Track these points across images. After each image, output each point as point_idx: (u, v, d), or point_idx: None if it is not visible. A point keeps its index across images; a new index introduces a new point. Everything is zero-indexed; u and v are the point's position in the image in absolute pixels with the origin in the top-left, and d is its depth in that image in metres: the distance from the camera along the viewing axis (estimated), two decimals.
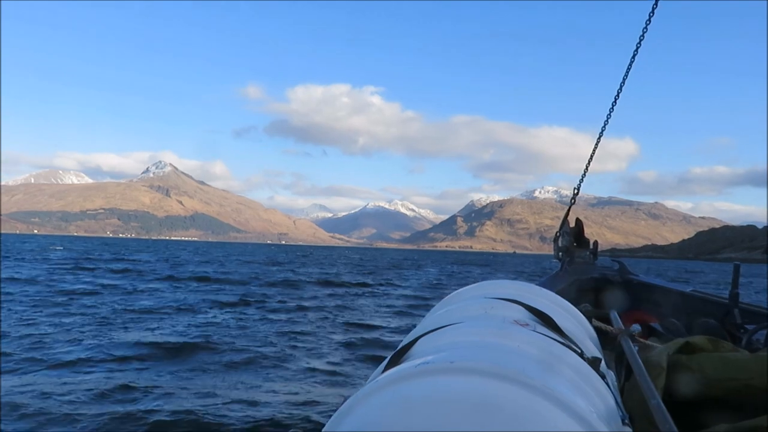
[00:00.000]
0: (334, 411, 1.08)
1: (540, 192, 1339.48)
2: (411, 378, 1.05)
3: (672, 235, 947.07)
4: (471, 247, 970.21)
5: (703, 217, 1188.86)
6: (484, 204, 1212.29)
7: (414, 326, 1.79)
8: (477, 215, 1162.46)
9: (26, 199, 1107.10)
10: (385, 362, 1.31)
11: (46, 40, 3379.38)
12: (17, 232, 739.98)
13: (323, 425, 1.08)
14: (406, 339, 1.48)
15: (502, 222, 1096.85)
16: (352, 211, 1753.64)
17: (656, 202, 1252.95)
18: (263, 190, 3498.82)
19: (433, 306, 2.06)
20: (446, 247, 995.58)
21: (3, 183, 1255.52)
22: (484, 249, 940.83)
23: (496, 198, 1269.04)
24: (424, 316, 1.93)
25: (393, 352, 1.34)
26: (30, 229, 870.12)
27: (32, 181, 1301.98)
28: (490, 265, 70.67)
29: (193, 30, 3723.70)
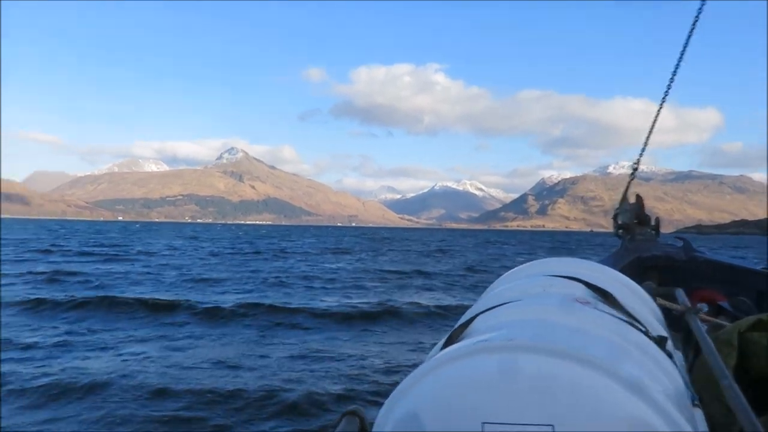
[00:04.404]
0: (393, 389, 1.07)
1: (614, 167, 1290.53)
2: (469, 355, 1.02)
3: (761, 209, 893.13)
4: (543, 226, 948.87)
5: None
6: (556, 181, 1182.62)
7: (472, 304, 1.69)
8: (549, 193, 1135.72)
9: (110, 187, 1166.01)
10: (443, 340, 1.26)
11: (124, 38, 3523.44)
12: (101, 219, 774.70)
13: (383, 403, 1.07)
14: (464, 317, 1.44)
15: (575, 199, 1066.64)
16: (420, 192, 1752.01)
17: (741, 175, 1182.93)
18: (332, 173, 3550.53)
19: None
20: (517, 226, 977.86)
21: (88, 173, 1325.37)
22: (557, 228, 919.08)
23: (567, 175, 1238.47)
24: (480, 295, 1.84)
25: (451, 330, 1.28)
26: (114, 216, 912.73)
27: (115, 170, 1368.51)
28: None
29: (251, 17, 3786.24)
